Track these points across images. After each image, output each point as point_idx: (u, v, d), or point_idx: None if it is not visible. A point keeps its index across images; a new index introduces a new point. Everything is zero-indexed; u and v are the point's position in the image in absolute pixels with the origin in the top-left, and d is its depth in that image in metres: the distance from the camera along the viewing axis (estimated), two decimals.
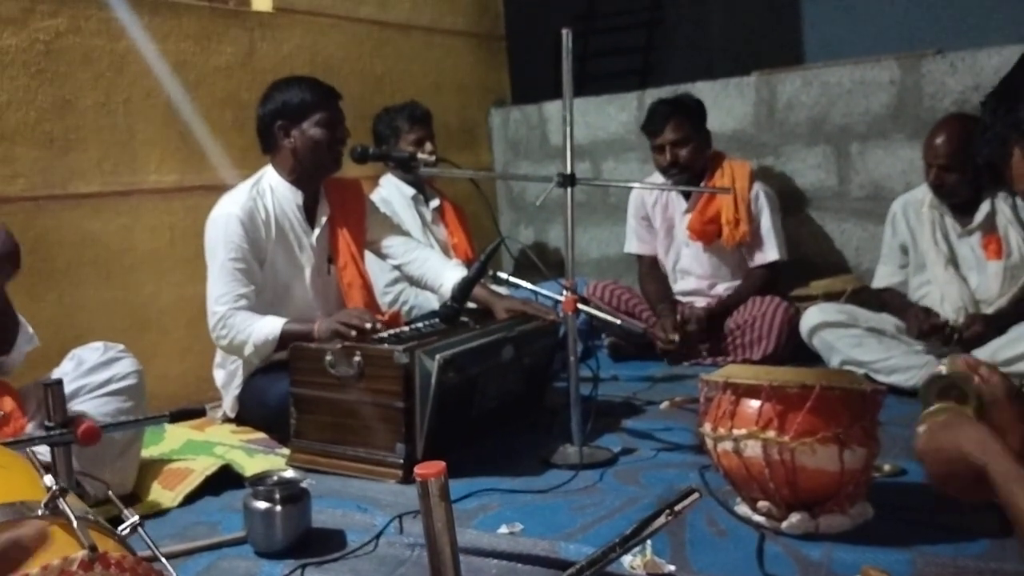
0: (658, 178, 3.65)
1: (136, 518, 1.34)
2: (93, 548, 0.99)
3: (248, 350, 2.63)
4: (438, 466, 1.31)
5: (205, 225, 2.72)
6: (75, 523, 1.05)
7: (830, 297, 3.45)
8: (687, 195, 3.62)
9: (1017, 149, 1.15)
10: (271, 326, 2.61)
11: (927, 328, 2.93)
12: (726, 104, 3.90)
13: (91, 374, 2.25)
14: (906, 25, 5.15)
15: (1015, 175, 1.17)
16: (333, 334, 2.50)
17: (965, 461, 1.30)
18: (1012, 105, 1.14)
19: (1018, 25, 4.29)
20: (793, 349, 3.28)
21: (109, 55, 3.00)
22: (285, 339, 2.58)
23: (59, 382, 1.69)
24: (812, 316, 3.13)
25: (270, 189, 2.79)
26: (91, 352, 2.31)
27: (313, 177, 2.82)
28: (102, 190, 2.99)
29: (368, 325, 2.50)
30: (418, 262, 2.95)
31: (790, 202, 3.67)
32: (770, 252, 3.53)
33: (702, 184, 3.53)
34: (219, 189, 2.85)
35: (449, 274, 2.87)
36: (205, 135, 3.29)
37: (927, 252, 3.08)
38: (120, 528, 1.30)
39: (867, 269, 3.60)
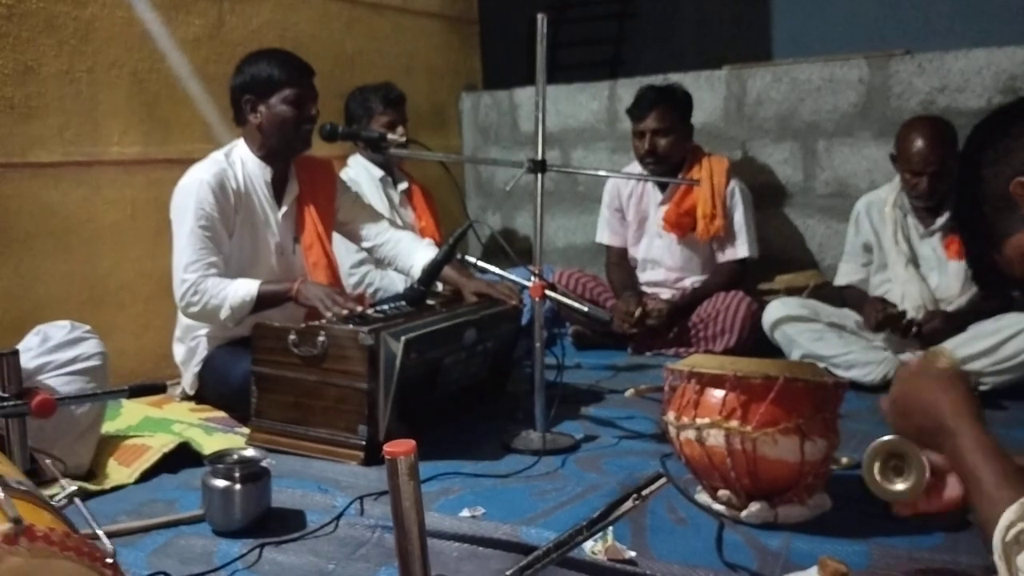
0: (634, 167, 3.65)
1: (74, 487, 1.30)
2: (17, 520, 0.93)
3: (224, 313, 2.56)
4: (408, 444, 1.30)
5: (169, 197, 2.66)
6: (0, 493, 1.00)
7: (792, 291, 3.48)
8: (663, 187, 3.63)
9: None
10: (248, 287, 2.56)
11: (883, 318, 2.96)
12: (696, 97, 3.90)
13: (57, 351, 2.21)
14: (875, 24, 5.21)
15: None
16: (313, 305, 2.50)
17: (933, 415, 1.27)
18: (978, 171, 1.27)
19: (985, 29, 4.36)
20: (755, 343, 3.30)
21: (74, 22, 2.93)
22: (262, 299, 2.55)
23: (15, 352, 1.66)
24: (774, 310, 3.16)
25: (240, 161, 2.74)
26: (57, 330, 2.27)
27: (281, 154, 2.77)
28: (63, 160, 2.93)
29: (345, 312, 2.45)
30: (390, 243, 2.92)
31: (756, 196, 3.70)
32: (740, 248, 3.55)
33: (679, 177, 3.54)
34: (183, 163, 2.79)
35: (420, 256, 2.84)
36: (170, 108, 3.23)
37: (889, 251, 3.11)
38: (57, 497, 1.25)
39: (830, 265, 3.65)
